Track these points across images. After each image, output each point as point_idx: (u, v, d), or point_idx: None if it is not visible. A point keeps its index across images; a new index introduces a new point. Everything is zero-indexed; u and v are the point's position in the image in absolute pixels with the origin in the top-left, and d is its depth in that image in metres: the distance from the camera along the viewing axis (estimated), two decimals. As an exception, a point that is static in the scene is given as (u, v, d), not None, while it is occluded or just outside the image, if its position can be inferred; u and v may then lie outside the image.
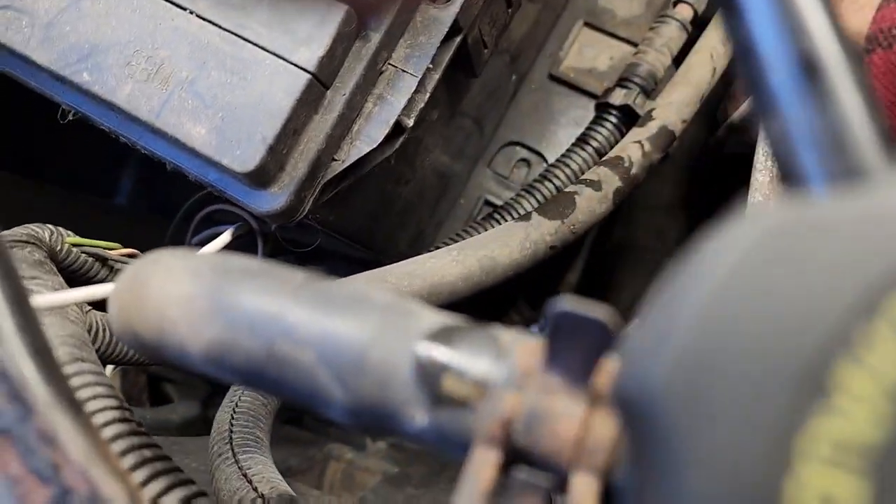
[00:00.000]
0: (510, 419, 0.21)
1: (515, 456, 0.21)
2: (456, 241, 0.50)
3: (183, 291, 0.24)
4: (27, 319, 0.22)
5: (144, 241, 0.69)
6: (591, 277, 1.03)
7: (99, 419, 0.30)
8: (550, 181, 0.62)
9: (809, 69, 0.17)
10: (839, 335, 0.12)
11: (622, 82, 0.65)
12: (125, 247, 0.52)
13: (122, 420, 0.31)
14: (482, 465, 0.20)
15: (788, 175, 0.16)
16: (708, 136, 0.80)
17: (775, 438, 0.11)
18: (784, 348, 0.12)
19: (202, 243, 0.58)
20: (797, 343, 0.12)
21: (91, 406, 0.31)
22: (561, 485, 0.20)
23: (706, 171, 0.91)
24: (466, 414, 0.22)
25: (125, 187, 0.88)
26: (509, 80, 0.72)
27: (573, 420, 0.20)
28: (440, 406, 0.22)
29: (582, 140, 0.65)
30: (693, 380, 0.12)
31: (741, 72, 0.18)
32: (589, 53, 0.76)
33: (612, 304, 0.93)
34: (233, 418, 0.40)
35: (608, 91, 0.65)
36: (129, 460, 0.28)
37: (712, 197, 0.95)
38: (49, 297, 0.33)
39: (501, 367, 0.22)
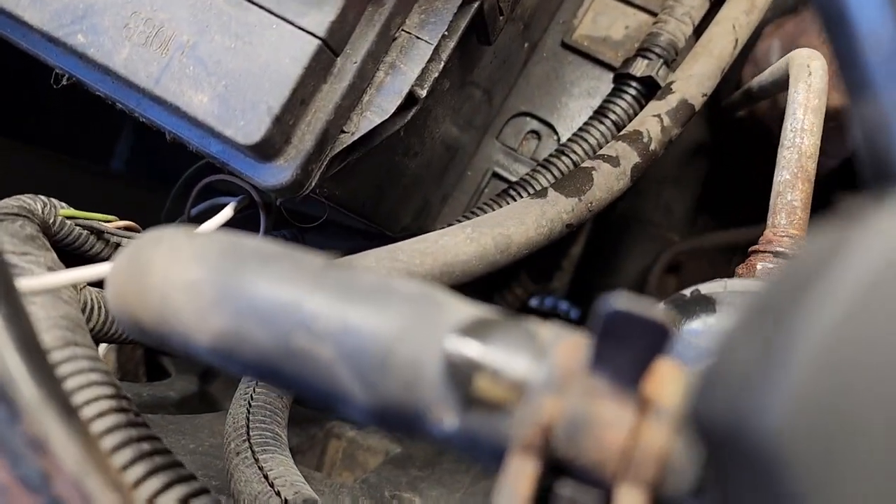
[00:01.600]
0: (550, 425, 0.19)
1: (555, 466, 0.19)
2: (469, 218, 0.48)
3: (188, 276, 0.22)
4: (13, 309, 0.20)
5: (142, 210, 0.67)
6: (595, 250, 1.01)
7: (93, 409, 0.28)
8: (568, 156, 0.60)
9: (913, 43, 0.15)
10: None
11: (643, 52, 0.62)
12: (122, 216, 0.50)
13: (119, 410, 0.29)
14: (519, 477, 0.19)
15: (880, 170, 0.14)
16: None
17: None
18: None
19: (202, 215, 0.56)
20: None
21: (84, 395, 0.29)
22: (606, 500, 0.19)
23: (714, 141, 0.88)
24: (501, 418, 0.20)
25: (122, 151, 0.86)
26: (522, 48, 0.69)
27: (621, 428, 0.18)
28: (472, 408, 0.20)
29: (600, 113, 0.63)
30: (823, 426, 0.10)
31: (832, 46, 0.15)
32: (603, 22, 0.73)
33: (615, 277, 0.91)
34: (249, 412, 0.38)
35: (628, 61, 0.63)
36: (125, 455, 0.26)
37: (723, 169, 0.93)
38: (38, 280, 0.30)
39: (541, 366, 0.20)
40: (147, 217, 0.69)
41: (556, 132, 0.73)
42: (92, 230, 0.43)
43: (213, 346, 0.22)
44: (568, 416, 0.19)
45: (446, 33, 0.42)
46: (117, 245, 0.45)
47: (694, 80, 0.56)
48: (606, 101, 0.64)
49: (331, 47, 0.39)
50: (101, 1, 0.40)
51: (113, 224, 0.44)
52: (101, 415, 0.29)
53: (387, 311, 0.21)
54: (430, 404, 0.20)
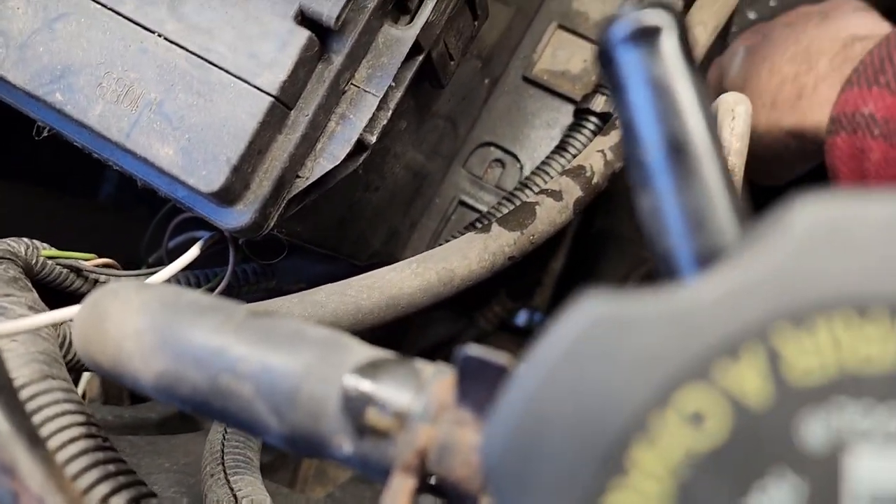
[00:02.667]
0: (425, 449, 0.23)
1: (430, 484, 0.23)
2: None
3: (136, 325, 0.26)
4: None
5: (128, 240, 0.71)
6: (574, 266, 1.05)
7: (65, 435, 0.33)
8: (531, 189, 0.64)
9: (677, 150, 0.19)
10: (636, 423, 0.14)
11: (601, 88, 0.67)
12: (109, 247, 0.55)
13: (88, 436, 0.33)
14: (399, 493, 0.23)
15: (657, 249, 0.19)
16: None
17: (581, 508, 0.13)
18: (592, 433, 0.14)
19: (178, 248, 0.60)
20: (602, 429, 0.14)
21: (57, 423, 0.33)
22: (471, 509, 0.23)
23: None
24: (387, 444, 0.24)
25: (109, 185, 0.90)
26: (482, 83, 0.74)
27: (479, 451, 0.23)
28: (364, 436, 0.24)
29: (561, 147, 0.67)
30: (519, 458, 0.14)
31: (624, 148, 0.20)
32: (562, 56, 0.77)
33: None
34: (224, 438, 0.43)
35: (588, 97, 0.67)
36: (90, 477, 0.30)
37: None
38: (17, 323, 0.35)
39: (419, 400, 0.24)
40: (133, 247, 0.73)
41: (519, 161, 0.77)
42: (72, 269, 0.47)
43: (156, 385, 0.26)
44: (440, 441, 0.23)
45: (393, 84, 0.47)
46: (96, 281, 0.49)
47: (636, 116, 0.60)
48: (567, 135, 0.68)
49: (284, 103, 0.43)
50: (76, 62, 0.44)
51: (91, 262, 0.48)
52: (72, 440, 0.33)
53: (297, 354, 0.25)
54: (332, 433, 0.24)
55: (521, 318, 1.05)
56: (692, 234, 0.18)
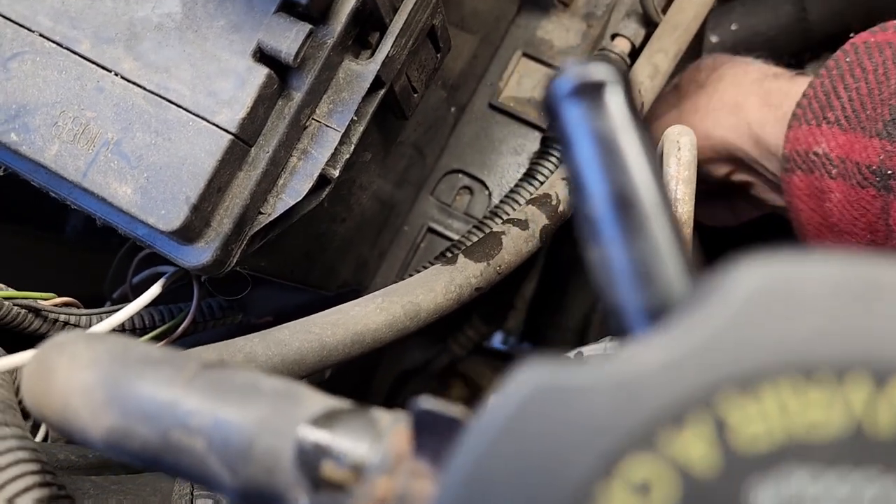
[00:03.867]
0: (383, 501, 0.23)
1: (386, 538, 0.23)
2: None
3: (84, 381, 0.26)
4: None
5: (97, 275, 0.70)
6: (547, 290, 1.06)
7: (18, 486, 0.32)
8: (500, 217, 0.65)
9: (624, 204, 0.19)
10: (582, 494, 0.14)
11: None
12: (77, 282, 0.54)
13: (43, 484, 0.32)
14: (354, 549, 0.22)
15: (607, 303, 0.18)
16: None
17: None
18: None
19: (142, 283, 0.59)
20: (549, 501, 0.14)
21: (11, 472, 0.32)
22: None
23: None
24: (344, 496, 0.23)
25: (75, 219, 0.89)
26: (449, 112, 0.74)
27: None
28: (320, 489, 0.24)
29: (529, 174, 0.67)
30: None
31: (572, 202, 0.19)
32: (527, 84, 0.78)
33: (564, 317, 0.96)
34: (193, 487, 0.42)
35: (550, 125, 0.67)
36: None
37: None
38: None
39: (376, 451, 0.24)
40: (100, 282, 0.72)
41: (487, 188, 0.77)
42: (31, 309, 0.46)
43: (105, 441, 0.25)
44: (397, 493, 0.23)
45: (355, 118, 0.47)
46: (55, 321, 0.48)
47: (600, 144, 0.61)
48: (534, 162, 0.68)
49: (243, 140, 0.43)
50: (32, 101, 0.43)
51: (51, 301, 0.48)
52: (26, 490, 0.33)
53: (251, 407, 0.24)
54: (287, 487, 0.24)
55: (497, 340, 1.05)
56: (640, 289, 0.18)
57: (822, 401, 0.14)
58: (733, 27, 0.99)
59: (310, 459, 0.24)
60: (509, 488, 0.14)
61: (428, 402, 0.21)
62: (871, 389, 0.14)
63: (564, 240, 1.02)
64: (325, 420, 0.24)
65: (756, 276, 0.15)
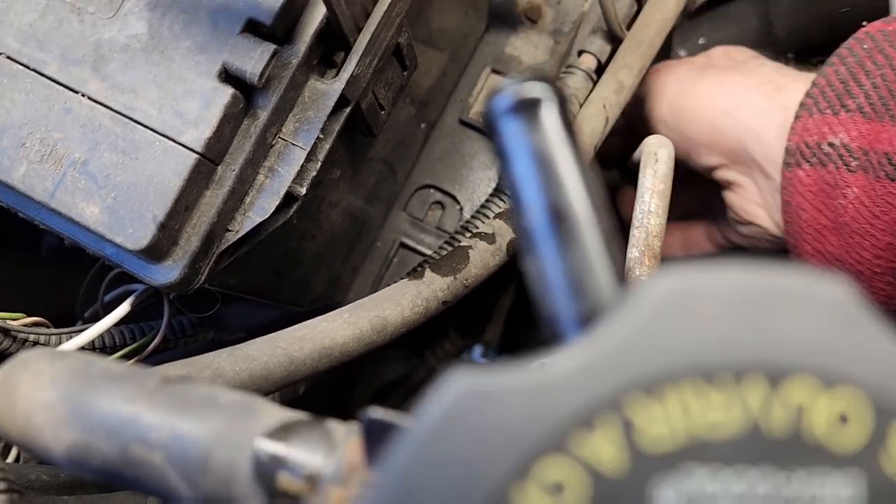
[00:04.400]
0: (337, 511, 0.23)
1: (340, 545, 0.23)
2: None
3: (45, 398, 0.26)
4: None
5: (72, 291, 0.70)
6: (522, 303, 1.06)
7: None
8: (471, 231, 0.65)
9: (558, 217, 0.20)
10: (498, 495, 0.14)
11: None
12: (53, 301, 0.54)
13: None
14: (309, 557, 0.23)
15: (543, 312, 0.19)
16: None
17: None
18: None
19: (114, 301, 0.59)
20: (468, 500, 0.14)
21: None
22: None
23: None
24: (300, 507, 0.24)
25: (49, 239, 0.89)
26: (418, 128, 0.75)
27: (389, 512, 0.23)
28: (276, 501, 0.24)
29: (499, 189, 0.68)
30: None
31: (513, 216, 0.20)
32: (497, 99, 0.79)
33: (539, 329, 0.97)
34: None
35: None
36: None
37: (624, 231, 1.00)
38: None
39: (330, 462, 0.24)
40: (74, 297, 0.72)
41: (458, 202, 0.78)
42: (-1, 329, 0.47)
43: (67, 457, 0.26)
44: (351, 503, 0.23)
45: (321, 136, 0.47)
46: (24, 341, 0.48)
47: (566, 158, 0.62)
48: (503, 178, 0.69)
49: (209, 159, 0.43)
50: None
51: (20, 321, 0.48)
52: (-8, 510, 0.33)
53: (208, 421, 0.25)
54: (244, 498, 0.24)
55: (477, 352, 1.06)
56: (573, 298, 0.19)
57: (722, 402, 0.15)
58: (701, 41, 1.01)
59: (266, 471, 0.24)
60: (434, 489, 0.15)
61: (376, 412, 0.22)
62: (767, 390, 0.15)
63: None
64: (281, 432, 0.25)
65: (665, 285, 0.16)
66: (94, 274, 0.66)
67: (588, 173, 0.20)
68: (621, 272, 0.19)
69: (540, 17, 0.79)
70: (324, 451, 0.24)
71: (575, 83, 0.70)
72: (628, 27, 0.70)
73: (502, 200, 0.67)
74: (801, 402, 0.15)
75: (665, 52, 0.84)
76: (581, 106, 0.69)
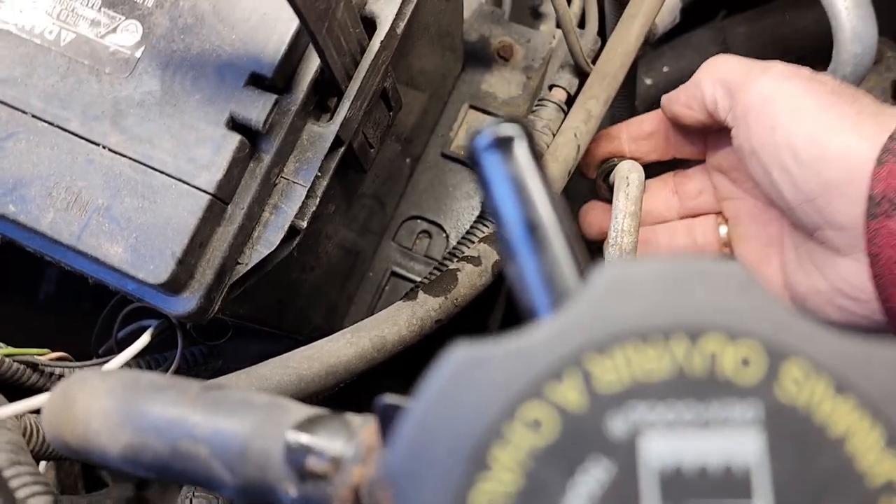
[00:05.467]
0: (358, 486, 0.28)
1: (364, 514, 0.28)
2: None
3: (102, 406, 0.30)
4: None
5: (73, 334, 0.74)
6: (511, 321, 1.11)
7: (38, 513, 0.36)
8: (457, 256, 0.70)
9: (531, 228, 0.25)
10: (493, 431, 0.19)
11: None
12: (54, 342, 0.58)
13: (58, 512, 0.37)
14: (338, 524, 0.27)
15: (522, 306, 0.24)
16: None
17: (456, 496, 0.18)
18: (462, 442, 0.19)
19: (128, 337, 0.63)
20: (469, 438, 0.19)
21: (31, 503, 0.36)
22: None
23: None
24: (326, 485, 0.28)
25: (52, 277, 0.93)
26: (404, 163, 0.80)
27: (403, 483, 0.27)
28: (306, 481, 0.29)
29: (482, 216, 0.73)
30: (412, 464, 0.19)
31: (496, 231, 0.25)
32: (476, 133, 0.84)
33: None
34: None
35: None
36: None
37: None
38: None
39: (351, 446, 0.29)
40: (76, 343, 0.76)
41: (444, 230, 0.83)
42: (28, 364, 0.51)
43: (122, 456, 0.30)
44: (369, 478, 0.28)
45: (319, 174, 0.52)
46: (51, 374, 0.52)
47: (542, 185, 0.67)
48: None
49: (221, 199, 0.48)
50: (27, 175, 0.48)
51: (46, 356, 0.52)
52: (43, 520, 0.37)
53: (245, 418, 0.29)
54: (278, 481, 0.29)
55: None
56: (545, 290, 0.24)
57: (655, 355, 0.20)
58: (665, 69, 1.07)
59: (296, 457, 0.29)
60: (441, 432, 0.20)
61: (389, 398, 0.27)
62: (688, 345, 0.20)
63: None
64: (308, 424, 0.29)
65: (610, 273, 0.21)
66: (106, 315, 0.70)
67: (553, 192, 0.25)
68: (581, 266, 0.24)
69: (512, 55, 0.85)
70: (345, 438, 0.29)
71: (547, 115, 0.75)
72: (594, 61, 0.76)
73: (485, 226, 0.72)
74: (714, 351, 0.20)
75: (631, 82, 0.90)
76: (554, 135, 0.75)
